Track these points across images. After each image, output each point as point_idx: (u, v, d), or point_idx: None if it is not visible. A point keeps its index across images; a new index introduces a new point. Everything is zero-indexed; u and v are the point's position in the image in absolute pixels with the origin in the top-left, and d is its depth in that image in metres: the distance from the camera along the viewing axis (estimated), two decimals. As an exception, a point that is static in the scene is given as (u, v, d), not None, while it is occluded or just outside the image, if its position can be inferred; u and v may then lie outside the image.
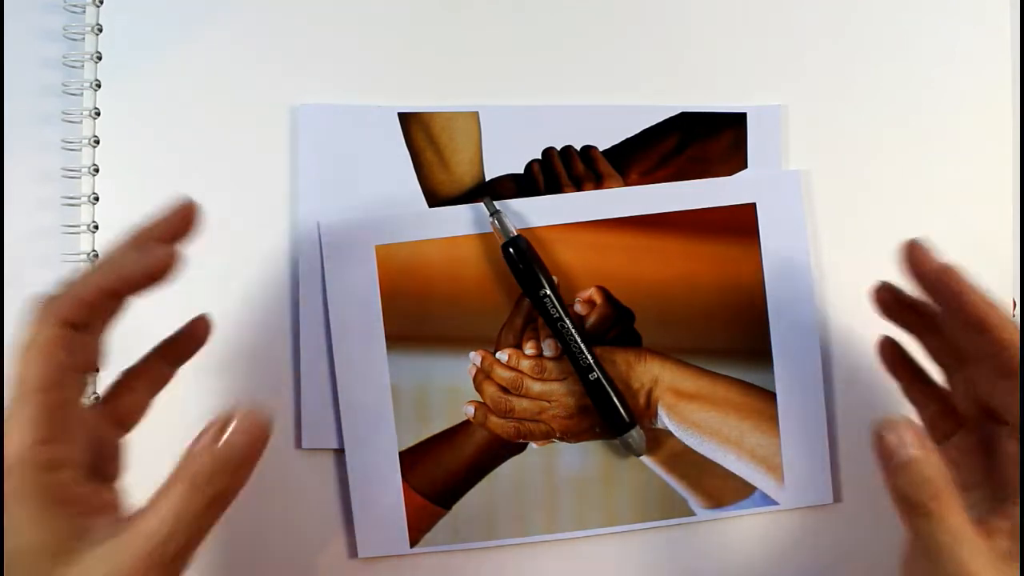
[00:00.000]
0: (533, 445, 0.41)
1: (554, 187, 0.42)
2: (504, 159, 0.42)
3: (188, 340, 0.35)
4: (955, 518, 0.30)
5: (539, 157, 0.42)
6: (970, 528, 0.30)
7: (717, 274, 0.42)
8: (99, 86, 0.42)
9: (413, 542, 0.41)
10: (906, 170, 0.43)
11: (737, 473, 0.42)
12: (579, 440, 0.42)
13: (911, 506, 0.30)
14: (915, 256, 0.33)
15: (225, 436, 0.28)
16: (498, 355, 0.41)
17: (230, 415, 0.28)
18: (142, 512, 0.27)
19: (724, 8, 0.43)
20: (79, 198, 0.41)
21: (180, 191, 0.42)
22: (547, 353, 0.41)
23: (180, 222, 0.31)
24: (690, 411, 0.41)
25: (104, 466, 0.31)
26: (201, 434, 0.28)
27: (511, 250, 0.40)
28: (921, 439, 0.31)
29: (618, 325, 0.42)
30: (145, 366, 0.34)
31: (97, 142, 0.42)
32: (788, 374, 0.42)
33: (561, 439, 0.42)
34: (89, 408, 0.31)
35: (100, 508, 0.28)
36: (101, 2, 0.42)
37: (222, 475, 0.28)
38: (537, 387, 0.41)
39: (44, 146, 0.42)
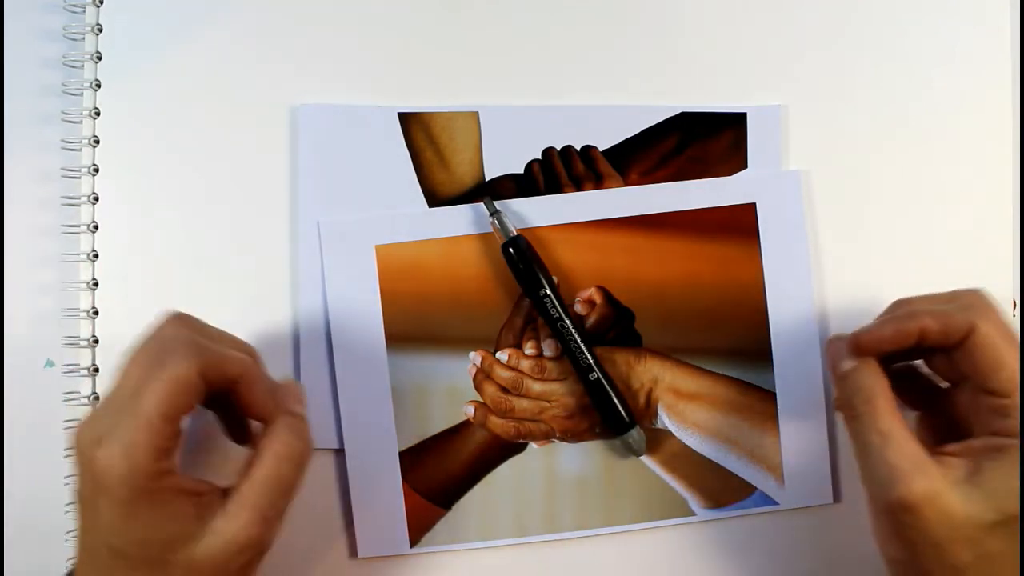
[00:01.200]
0: (533, 445, 0.41)
1: (554, 187, 0.42)
2: (504, 159, 0.42)
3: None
4: (885, 421, 0.31)
5: (539, 157, 0.42)
6: (901, 433, 0.31)
7: (717, 274, 0.42)
8: (99, 86, 0.42)
9: (413, 542, 0.41)
10: (906, 170, 0.43)
11: (737, 473, 0.42)
12: (579, 440, 0.42)
13: (848, 410, 0.33)
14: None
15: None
16: (498, 355, 0.41)
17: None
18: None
19: (724, 8, 0.43)
20: (79, 198, 0.41)
21: (180, 191, 0.42)
22: (547, 353, 0.41)
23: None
24: (690, 411, 0.41)
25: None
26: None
27: (511, 250, 0.40)
28: (858, 351, 0.33)
29: (618, 325, 0.42)
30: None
31: (97, 142, 0.42)
32: (788, 374, 0.42)
33: (561, 439, 0.42)
34: None
35: (196, 492, 0.32)
36: (101, 2, 0.42)
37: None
38: (537, 387, 0.41)
39: (44, 146, 0.42)
